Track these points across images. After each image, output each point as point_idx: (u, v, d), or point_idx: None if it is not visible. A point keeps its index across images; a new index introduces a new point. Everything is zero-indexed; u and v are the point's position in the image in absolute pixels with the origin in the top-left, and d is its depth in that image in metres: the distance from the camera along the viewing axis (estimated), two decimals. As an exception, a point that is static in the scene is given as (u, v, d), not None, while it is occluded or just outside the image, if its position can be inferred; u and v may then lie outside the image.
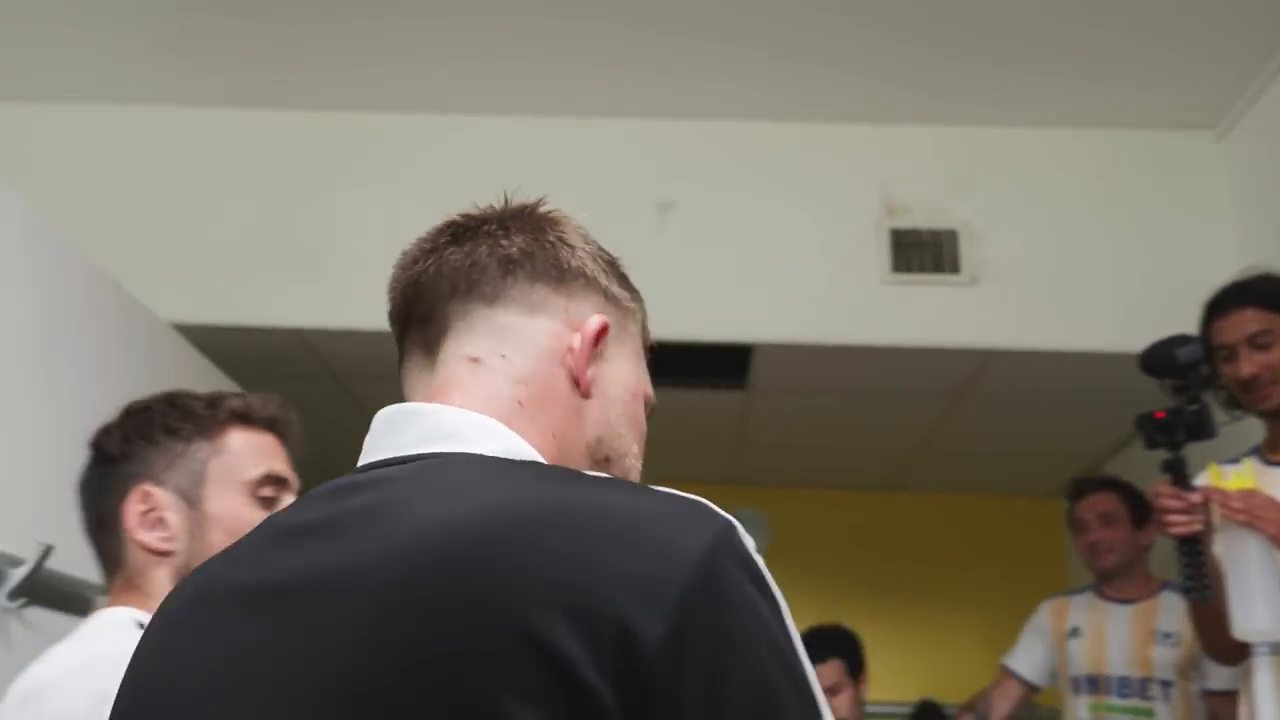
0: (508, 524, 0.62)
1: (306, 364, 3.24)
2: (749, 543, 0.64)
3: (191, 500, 1.19)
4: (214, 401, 1.22)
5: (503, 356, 0.79)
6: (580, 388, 0.79)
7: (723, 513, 0.64)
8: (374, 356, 3.18)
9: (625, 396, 0.82)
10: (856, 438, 3.94)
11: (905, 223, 3.08)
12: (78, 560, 2.08)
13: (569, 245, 0.83)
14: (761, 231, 3.06)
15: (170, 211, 3.10)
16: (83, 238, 2.52)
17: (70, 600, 2.17)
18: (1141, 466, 2.46)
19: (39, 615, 2.08)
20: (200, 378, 2.70)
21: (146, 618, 1.08)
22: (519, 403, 0.77)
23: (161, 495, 1.18)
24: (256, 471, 1.21)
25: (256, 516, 1.15)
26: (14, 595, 2.04)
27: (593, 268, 0.83)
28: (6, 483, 2.09)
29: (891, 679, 4.06)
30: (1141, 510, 2.76)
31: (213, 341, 2.86)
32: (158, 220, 3.09)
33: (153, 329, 2.67)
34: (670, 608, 0.59)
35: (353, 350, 3.13)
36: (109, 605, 1.21)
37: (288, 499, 1.21)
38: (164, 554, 1.17)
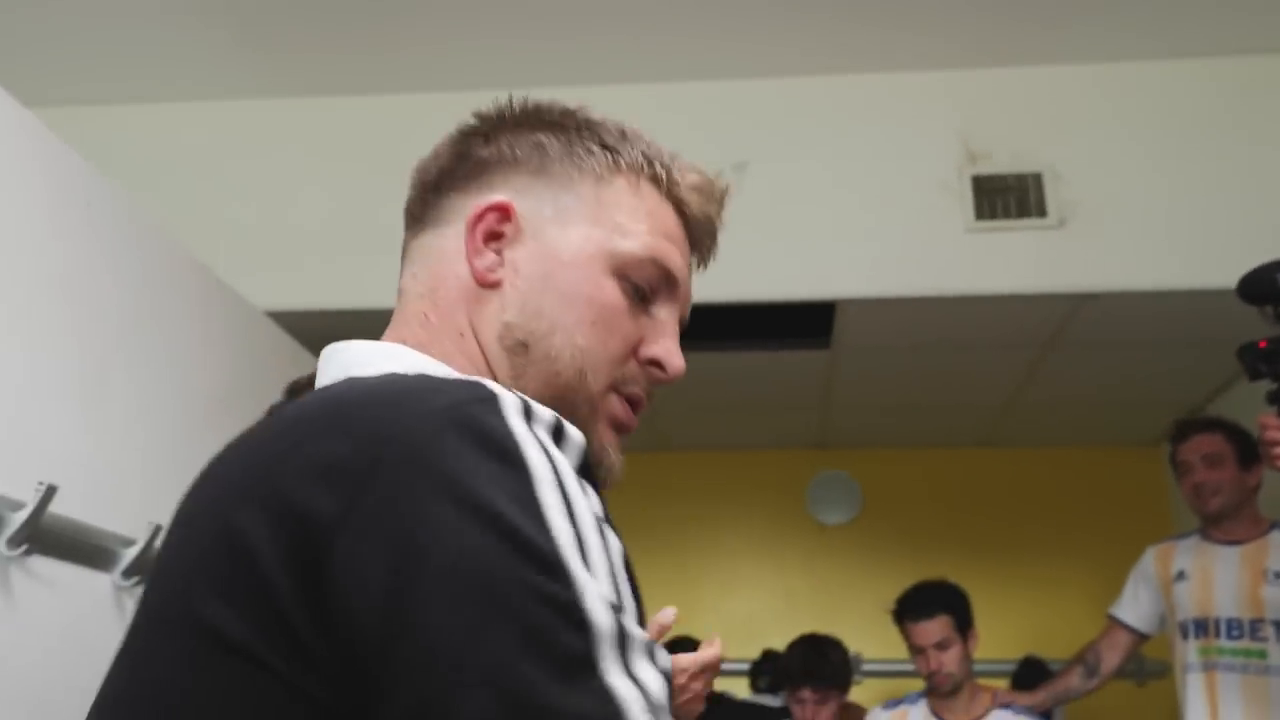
0: (267, 435, 0.61)
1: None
2: (509, 414, 0.56)
3: None
4: None
5: (414, 276, 0.78)
6: (477, 278, 0.75)
7: (492, 388, 0.58)
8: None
9: (554, 269, 0.74)
10: (946, 393, 3.87)
11: (987, 168, 3.01)
12: (85, 505, 1.97)
13: (491, 139, 0.79)
14: (840, 186, 3.03)
15: (260, 200, 3.16)
16: (178, 229, 2.59)
17: (78, 548, 1.99)
18: (1247, 406, 2.39)
19: (42, 564, 1.89)
20: (293, 362, 2.77)
21: None
22: (425, 316, 0.75)
23: None
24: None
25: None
26: (14, 542, 1.79)
27: (523, 147, 0.77)
28: (114, 463, 2.16)
29: (994, 637, 3.98)
30: (1248, 450, 2.70)
31: (304, 326, 2.91)
32: (248, 209, 3.15)
33: (247, 316, 2.72)
34: (351, 485, 0.53)
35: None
36: None
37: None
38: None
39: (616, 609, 0.53)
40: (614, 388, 0.75)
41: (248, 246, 3.09)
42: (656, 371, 0.77)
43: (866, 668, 4.10)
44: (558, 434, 0.59)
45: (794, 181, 3.04)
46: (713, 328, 3.22)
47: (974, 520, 4.39)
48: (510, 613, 0.50)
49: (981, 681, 2.92)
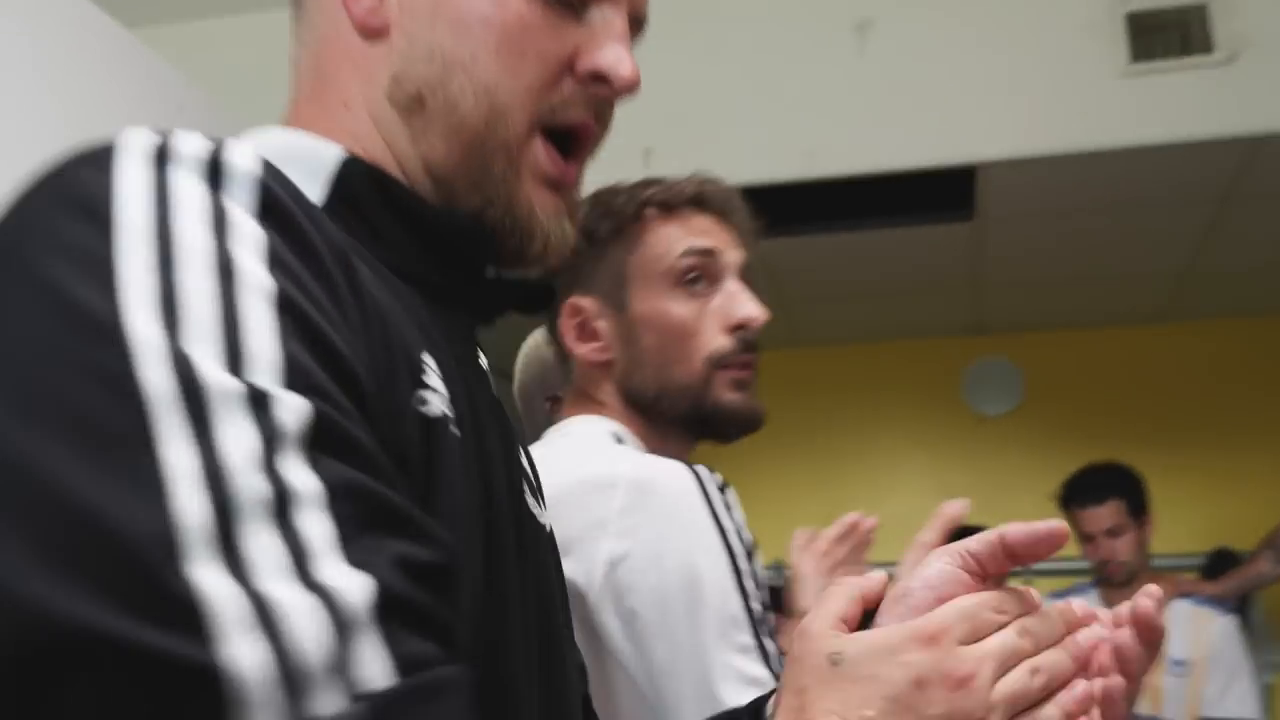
0: None
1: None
2: (118, 162, 0.47)
3: (618, 304, 1.11)
4: (632, 192, 1.13)
5: (299, 43, 0.67)
6: (358, 27, 0.63)
7: (120, 140, 0.49)
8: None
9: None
10: (1111, 264, 3.69)
11: (1142, 3, 2.81)
12: None
13: None
14: (973, 37, 2.87)
15: None
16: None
17: None
18: None
19: None
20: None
21: (613, 426, 1.08)
22: (307, 87, 0.65)
23: (589, 304, 1.11)
24: (674, 255, 1.10)
25: (685, 309, 1.09)
26: None
27: None
28: None
29: (1178, 529, 3.86)
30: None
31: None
32: None
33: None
34: None
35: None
36: (569, 415, 1.15)
37: (728, 278, 1.11)
38: (603, 364, 1.12)
39: (235, 370, 0.43)
40: (540, 125, 0.63)
41: None
42: (599, 87, 0.64)
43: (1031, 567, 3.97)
44: (213, 170, 0.49)
45: (921, 37, 2.91)
46: (839, 206, 3.11)
47: (1149, 406, 4.19)
48: (42, 400, 0.41)
49: (1164, 574, 2.82)
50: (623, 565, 0.94)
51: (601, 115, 0.65)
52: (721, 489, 0.99)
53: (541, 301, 0.69)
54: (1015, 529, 0.56)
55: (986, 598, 0.55)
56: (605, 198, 1.12)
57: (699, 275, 1.10)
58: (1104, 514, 2.65)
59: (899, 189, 2.99)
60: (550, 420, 1.21)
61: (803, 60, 2.94)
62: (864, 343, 4.39)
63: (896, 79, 2.87)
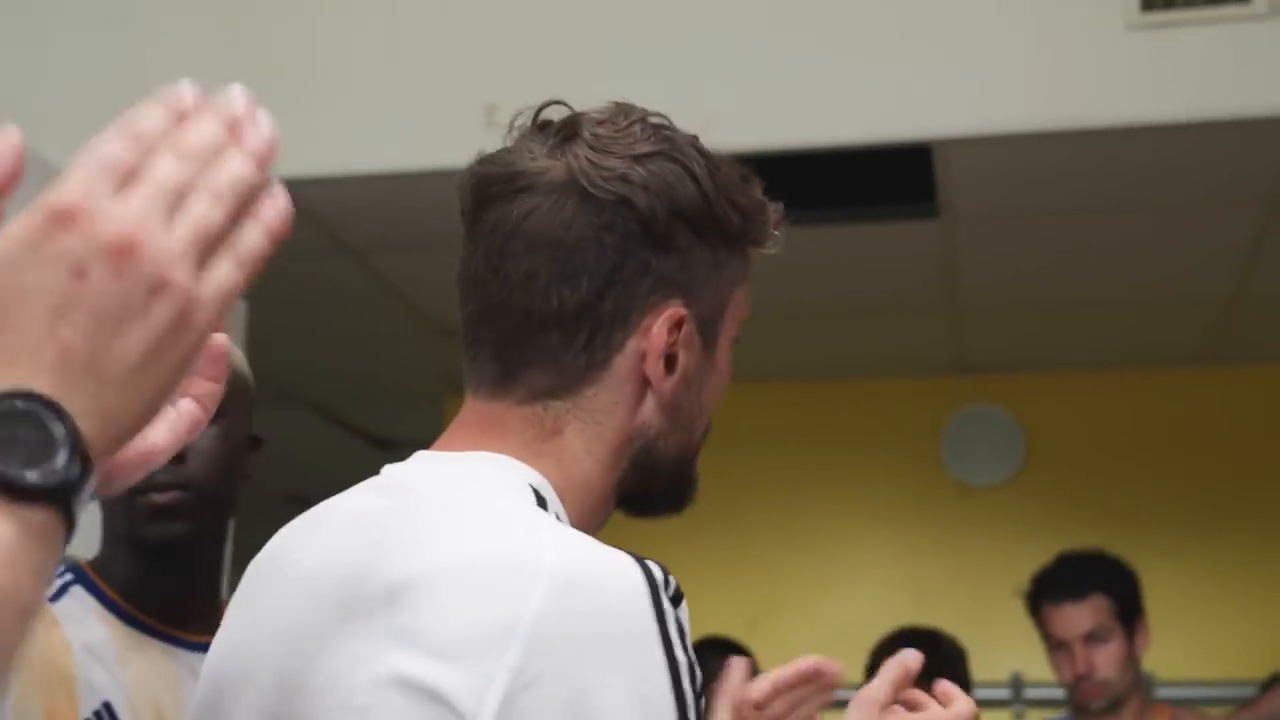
0: None
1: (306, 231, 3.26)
2: None
3: (708, 339, 1.15)
4: (759, 201, 1.17)
5: None
6: None
7: None
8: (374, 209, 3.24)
9: None
10: (1130, 285, 3.75)
11: None
12: None
13: None
14: None
15: (88, 44, 3.19)
16: None
17: None
18: None
19: None
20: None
21: (532, 476, 1.07)
22: None
23: (687, 324, 1.12)
24: (745, 311, 1.19)
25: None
26: None
27: None
28: None
29: (1228, 645, 3.96)
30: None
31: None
32: (67, 58, 3.20)
33: None
34: None
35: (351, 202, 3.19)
36: (470, 442, 1.10)
37: None
38: (636, 408, 1.14)
39: None
40: None
41: (72, 111, 3.09)
42: None
43: (1031, 693, 4.05)
44: None
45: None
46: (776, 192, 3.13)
47: (1187, 475, 4.24)
48: None
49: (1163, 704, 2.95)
50: (527, 694, 0.91)
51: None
52: (675, 601, 0.97)
53: None
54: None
55: (121, 136, 0.60)
56: (722, 178, 1.12)
57: None
58: (1081, 613, 2.73)
59: (834, 172, 3.05)
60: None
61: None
62: (807, 380, 4.41)
63: (823, 26, 2.93)
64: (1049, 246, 3.50)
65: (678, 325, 1.10)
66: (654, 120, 1.11)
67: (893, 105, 2.90)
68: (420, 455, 1.10)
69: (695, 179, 1.09)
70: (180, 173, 0.60)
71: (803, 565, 4.32)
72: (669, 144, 1.10)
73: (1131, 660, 2.75)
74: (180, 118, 0.61)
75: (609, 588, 0.95)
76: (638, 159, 1.07)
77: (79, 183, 0.58)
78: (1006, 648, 3.50)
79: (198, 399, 0.82)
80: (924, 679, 2.99)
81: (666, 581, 0.96)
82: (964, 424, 4.37)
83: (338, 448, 4.92)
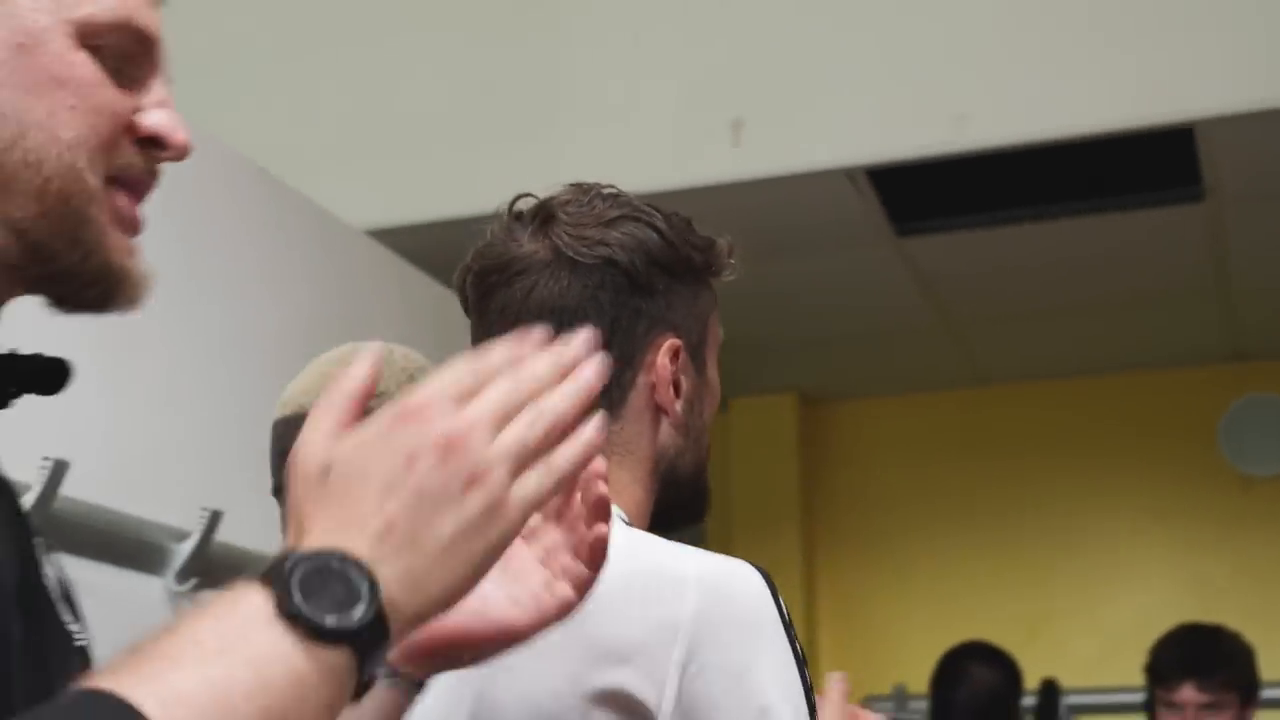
0: None
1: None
2: None
3: (698, 364, 1.32)
4: (702, 238, 1.33)
5: None
6: None
7: None
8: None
9: (4, 57, 0.83)
10: None
11: None
12: (250, 528, 2.23)
13: None
14: None
15: (338, 62, 3.29)
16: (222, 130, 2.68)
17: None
18: None
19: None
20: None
21: (616, 509, 1.23)
22: None
23: (683, 354, 1.30)
24: (720, 337, 1.36)
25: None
26: (183, 575, 2.17)
27: None
28: (177, 445, 2.24)
29: None
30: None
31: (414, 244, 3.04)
32: (310, 98, 3.30)
33: (346, 240, 2.86)
34: None
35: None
36: None
37: None
38: (653, 433, 1.30)
39: None
40: (113, 180, 0.87)
41: (322, 149, 3.19)
42: (158, 151, 0.89)
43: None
44: None
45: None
46: (1006, 189, 3.15)
47: None
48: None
49: None
50: (700, 678, 1.09)
51: (154, 176, 0.90)
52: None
53: (61, 380, 0.90)
54: None
55: (470, 364, 0.72)
56: (677, 225, 1.29)
57: None
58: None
59: (1092, 161, 3.02)
60: None
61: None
62: (1071, 378, 4.34)
63: (1066, 10, 2.90)
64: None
65: (676, 355, 1.27)
66: (608, 191, 1.29)
67: (1149, 86, 2.83)
68: None
69: (659, 231, 1.26)
70: (512, 397, 0.71)
71: (1079, 568, 4.25)
72: (629, 207, 1.27)
73: None
74: (521, 359, 0.72)
75: (744, 588, 1.14)
76: (609, 224, 1.24)
77: (428, 392, 0.70)
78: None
79: (575, 583, 0.88)
80: (1204, 675, 2.97)
81: (773, 584, 1.15)
82: (1242, 413, 4.25)
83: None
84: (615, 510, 1.17)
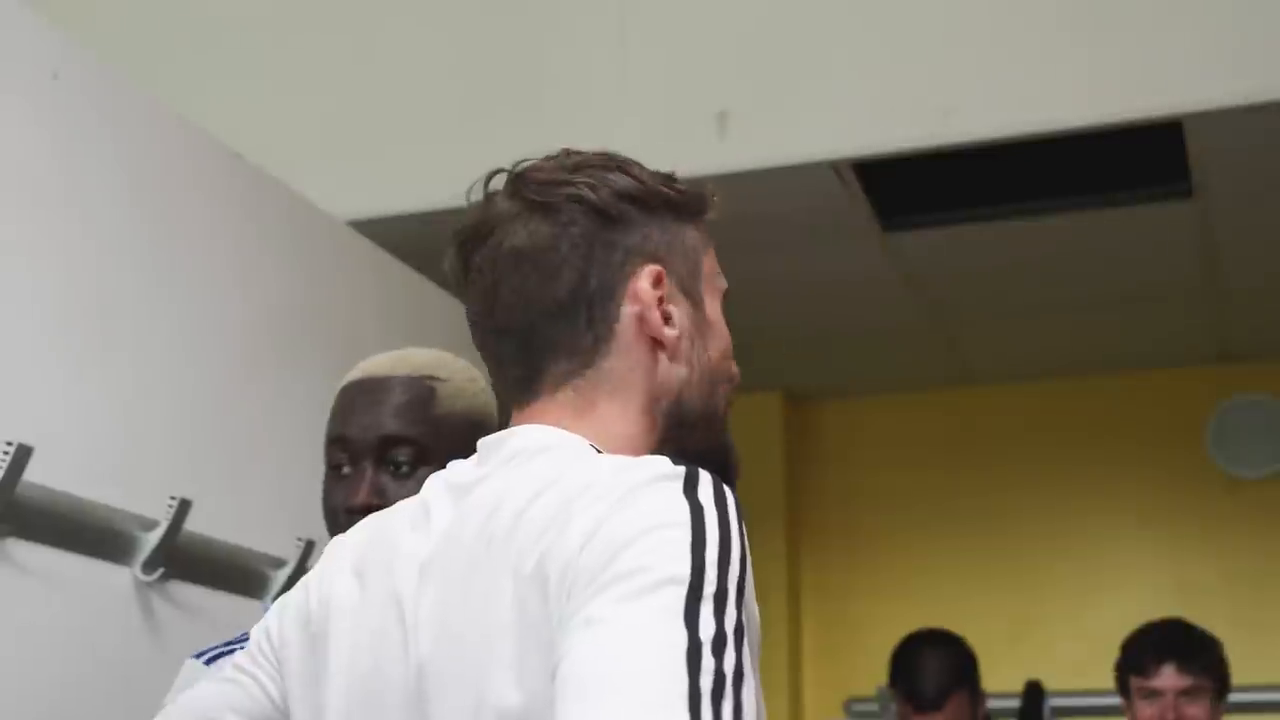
0: None
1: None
2: None
3: (693, 296, 1.31)
4: (666, 178, 1.33)
5: None
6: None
7: None
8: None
9: None
10: None
11: None
12: (220, 518, 2.23)
13: None
14: None
15: (322, 58, 3.28)
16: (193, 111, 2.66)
17: (217, 571, 2.31)
18: None
19: (183, 590, 2.24)
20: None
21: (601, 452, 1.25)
22: None
23: (668, 281, 1.29)
24: (722, 282, 1.35)
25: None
26: (150, 565, 2.15)
27: None
28: (146, 432, 2.22)
29: None
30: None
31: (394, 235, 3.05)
32: (290, 84, 3.29)
33: (330, 231, 2.84)
34: None
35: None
36: (544, 420, 1.27)
37: None
38: (652, 364, 1.28)
39: None
40: None
41: (301, 138, 3.19)
42: None
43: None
44: None
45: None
46: (993, 184, 3.15)
47: None
48: None
49: None
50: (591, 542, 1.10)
51: None
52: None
53: None
54: None
55: None
56: (649, 170, 1.31)
57: None
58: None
59: (1079, 157, 3.01)
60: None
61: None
62: (1058, 378, 4.35)
63: (1061, 6, 2.90)
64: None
65: (658, 280, 1.26)
66: (578, 151, 1.31)
67: (1137, 80, 2.82)
68: (509, 460, 1.24)
69: (626, 172, 1.28)
70: None
71: (1065, 570, 4.25)
72: (595, 156, 1.29)
73: None
74: None
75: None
76: (573, 169, 1.27)
77: None
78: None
79: None
80: (1184, 658, 2.96)
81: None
82: (1230, 414, 4.24)
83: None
84: (586, 442, 1.23)
